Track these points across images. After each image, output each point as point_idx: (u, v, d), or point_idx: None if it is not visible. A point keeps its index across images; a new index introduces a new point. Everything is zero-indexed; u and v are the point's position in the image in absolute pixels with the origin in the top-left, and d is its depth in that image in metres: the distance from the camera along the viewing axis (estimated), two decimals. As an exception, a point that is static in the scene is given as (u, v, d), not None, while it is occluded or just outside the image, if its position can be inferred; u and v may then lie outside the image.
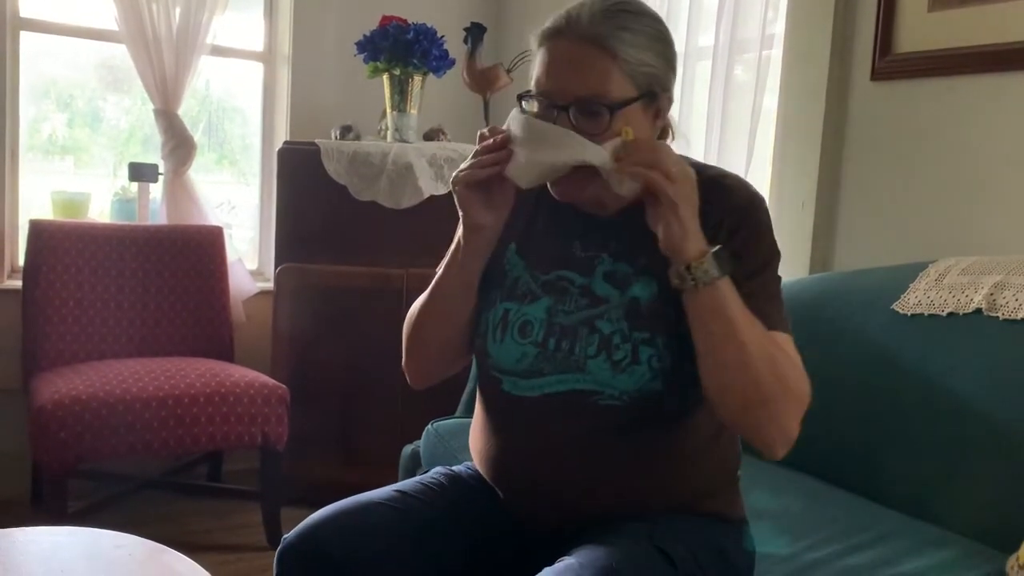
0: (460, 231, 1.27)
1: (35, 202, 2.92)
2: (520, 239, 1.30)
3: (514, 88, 2.90)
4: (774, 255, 1.21)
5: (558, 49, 1.16)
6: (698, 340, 1.14)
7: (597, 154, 1.13)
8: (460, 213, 1.25)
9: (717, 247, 1.11)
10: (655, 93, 1.18)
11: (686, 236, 1.10)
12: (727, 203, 1.19)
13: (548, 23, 1.18)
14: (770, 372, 1.11)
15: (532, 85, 1.19)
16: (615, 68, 1.14)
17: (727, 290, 1.11)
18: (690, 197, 1.11)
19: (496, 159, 1.18)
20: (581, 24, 1.14)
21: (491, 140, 1.19)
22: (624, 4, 1.17)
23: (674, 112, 1.26)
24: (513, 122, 1.18)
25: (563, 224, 1.28)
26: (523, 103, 1.20)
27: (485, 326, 1.28)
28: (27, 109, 2.91)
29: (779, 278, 1.22)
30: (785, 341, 1.17)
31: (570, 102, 1.15)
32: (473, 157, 1.21)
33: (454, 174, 1.23)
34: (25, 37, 2.86)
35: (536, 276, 1.26)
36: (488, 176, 1.19)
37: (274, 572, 1.22)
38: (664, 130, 1.26)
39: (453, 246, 1.29)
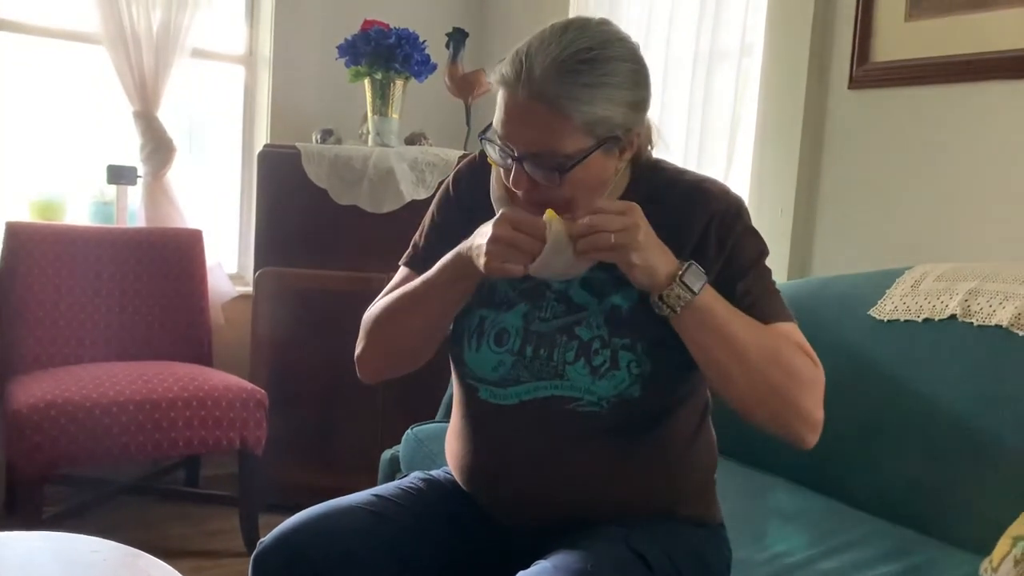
0: (460, 255, 1.19)
1: (11, 204, 2.89)
2: None
3: (495, 95, 2.90)
4: (763, 251, 1.23)
5: (511, 102, 1.12)
6: (696, 356, 1.15)
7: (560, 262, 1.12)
8: (482, 266, 1.13)
9: (686, 265, 1.10)
10: (616, 136, 1.14)
11: (652, 273, 1.10)
12: (712, 208, 1.20)
13: (504, 67, 1.12)
14: (776, 367, 1.12)
15: (494, 123, 1.15)
16: (568, 126, 1.09)
17: (709, 302, 1.12)
18: (640, 239, 1.08)
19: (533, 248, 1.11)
20: (533, 79, 1.08)
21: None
22: (585, 52, 1.09)
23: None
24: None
25: None
26: (485, 142, 1.17)
27: (461, 333, 1.27)
28: (3, 110, 2.88)
29: (770, 270, 1.23)
30: (788, 329, 1.18)
31: (523, 155, 1.13)
32: (510, 228, 1.12)
33: (486, 251, 1.11)
34: (2, 38, 2.83)
35: (514, 284, 1.26)
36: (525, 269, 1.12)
37: (250, 576, 1.22)
38: (643, 143, 1.24)
39: (448, 262, 1.21)
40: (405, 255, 1.38)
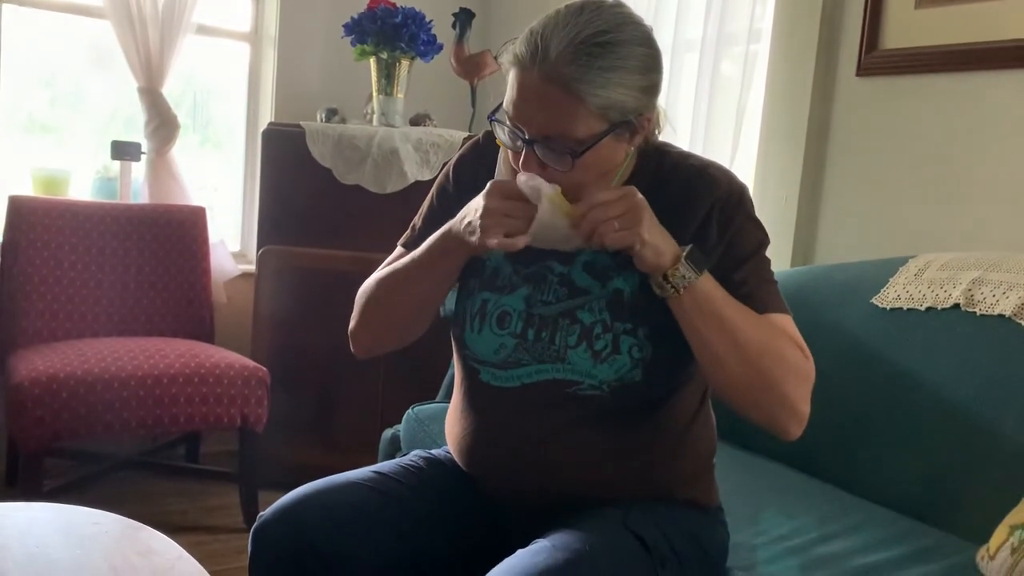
0: (449, 232, 1.19)
1: (15, 180, 2.88)
2: None
3: (501, 76, 2.89)
4: (763, 241, 1.22)
5: (524, 83, 1.10)
6: (691, 340, 1.14)
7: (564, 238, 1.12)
8: (474, 240, 1.14)
9: (688, 248, 1.12)
10: (629, 121, 1.13)
11: (659, 252, 1.10)
12: (715, 194, 1.20)
13: (519, 45, 1.10)
14: (767, 357, 1.12)
15: (505, 103, 1.14)
16: (581, 109, 1.08)
17: (708, 286, 1.12)
18: (645, 217, 1.09)
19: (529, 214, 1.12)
20: (548, 60, 1.07)
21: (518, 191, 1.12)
22: (602, 35, 1.08)
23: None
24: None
25: None
26: (494, 123, 1.16)
27: (463, 315, 1.27)
28: (7, 85, 2.87)
29: (769, 260, 1.22)
30: (782, 321, 1.18)
31: (535, 138, 1.12)
32: (500, 198, 1.12)
33: (480, 225, 1.12)
34: (7, 11, 2.82)
35: (518, 268, 1.25)
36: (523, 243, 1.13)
37: (249, 550, 1.22)
38: (651, 127, 1.24)
39: (436, 240, 1.22)
40: (404, 236, 1.38)
